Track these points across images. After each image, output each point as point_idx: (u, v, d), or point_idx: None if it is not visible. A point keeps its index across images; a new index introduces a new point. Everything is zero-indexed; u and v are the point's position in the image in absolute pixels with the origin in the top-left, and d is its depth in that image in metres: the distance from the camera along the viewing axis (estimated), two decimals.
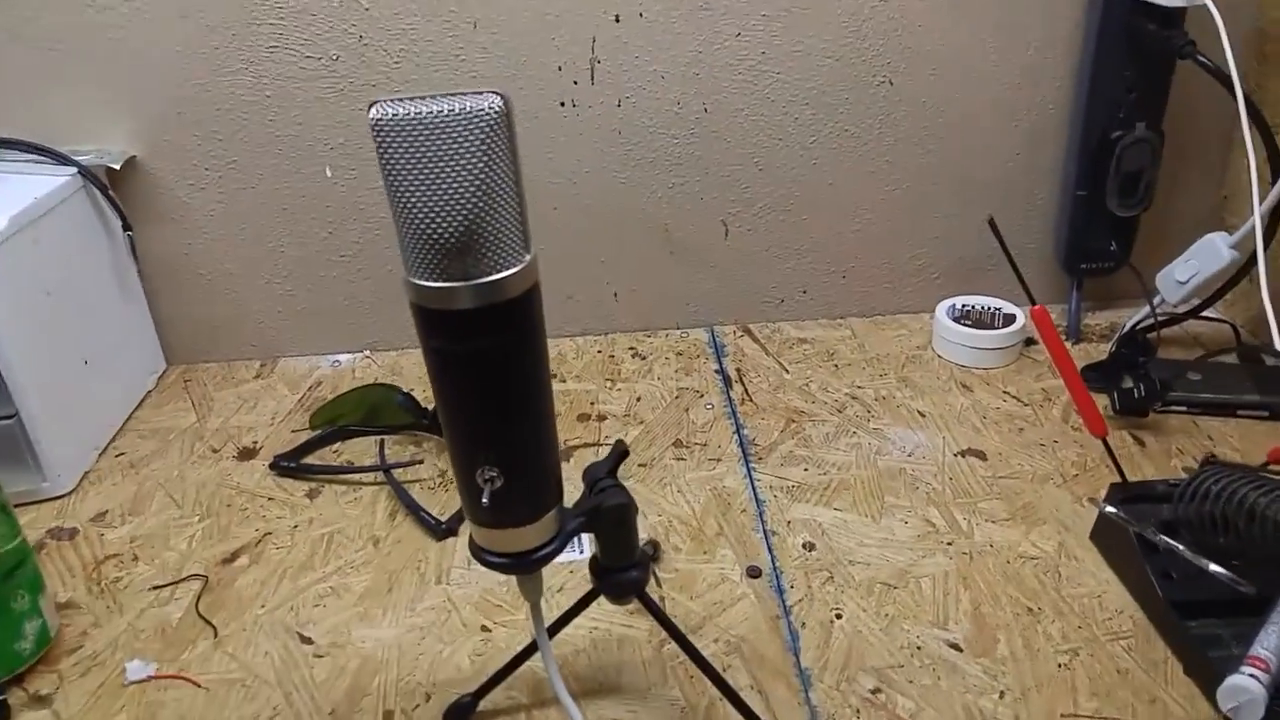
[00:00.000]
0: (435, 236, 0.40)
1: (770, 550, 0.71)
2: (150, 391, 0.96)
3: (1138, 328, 0.89)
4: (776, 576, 0.69)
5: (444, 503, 0.78)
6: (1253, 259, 0.83)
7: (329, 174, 0.93)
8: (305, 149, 0.91)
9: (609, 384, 0.93)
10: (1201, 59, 0.80)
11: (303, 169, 0.92)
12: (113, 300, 0.91)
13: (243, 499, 0.79)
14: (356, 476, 0.82)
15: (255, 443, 0.87)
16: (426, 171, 0.39)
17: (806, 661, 0.61)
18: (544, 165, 0.93)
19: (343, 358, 1.01)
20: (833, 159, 0.94)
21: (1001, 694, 0.58)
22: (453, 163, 0.39)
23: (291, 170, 0.92)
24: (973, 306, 0.95)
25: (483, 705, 0.59)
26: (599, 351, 0.99)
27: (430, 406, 0.85)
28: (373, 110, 0.39)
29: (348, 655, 0.64)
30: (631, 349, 0.99)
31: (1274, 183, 0.76)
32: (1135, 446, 0.79)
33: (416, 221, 0.40)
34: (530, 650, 0.59)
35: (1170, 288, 0.85)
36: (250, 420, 0.91)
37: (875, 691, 0.59)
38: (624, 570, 0.54)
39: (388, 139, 0.39)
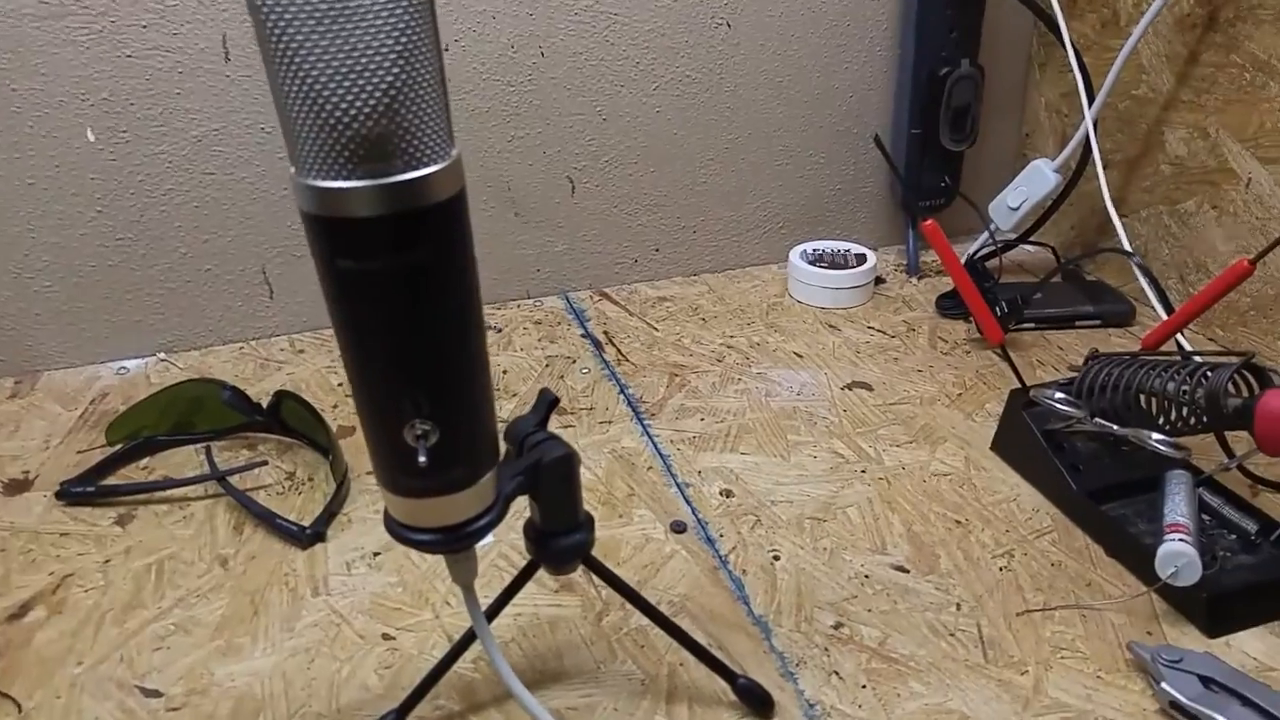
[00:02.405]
0: (347, 116, 0.31)
1: (689, 503, 0.66)
2: None
3: (976, 257, 0.93)
4: (703, 528, 0.64)
5: (298, 507, 0.67)
6: (1072, 183, 0.89)
7: (91, 138, 0.77)
8: (55, 106, 0.75)
9: None
10: None
11: (54, 132, 0.76)
12: None
13: (21, 540, 0.63)
14: (181, 492, 0.68)
15: (27, 472, 0.70)
16: (334, 32, 0.30)
17: (759, 609, 0.57)
18: None
19: (130, 364, 0.85)
20: (675, 106, 0.91)
21: (958, 605, 0.57)
22: (368, 17, 0.30)
23: (37, 134, 0.75)
24: (824, 251, 0.95)
25: None
26: None
27: (263, 402, 0.72)
28: None
29: (213, 701, 0.52)
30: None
31: (1089, 104, 0.82)
32: (1003, 362, 0.83)
33: (322, 98, 0.30)
34: (461, 647, 0.50)
35: (1003, 215, 0.90)
36: (13, 447, 0.73)
37: (838, 626, 0.56)
38: (568, 534, 0.47)
39: None
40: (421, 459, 0.38)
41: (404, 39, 0.31)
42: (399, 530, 0.41)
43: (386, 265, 0.34)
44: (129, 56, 0.75)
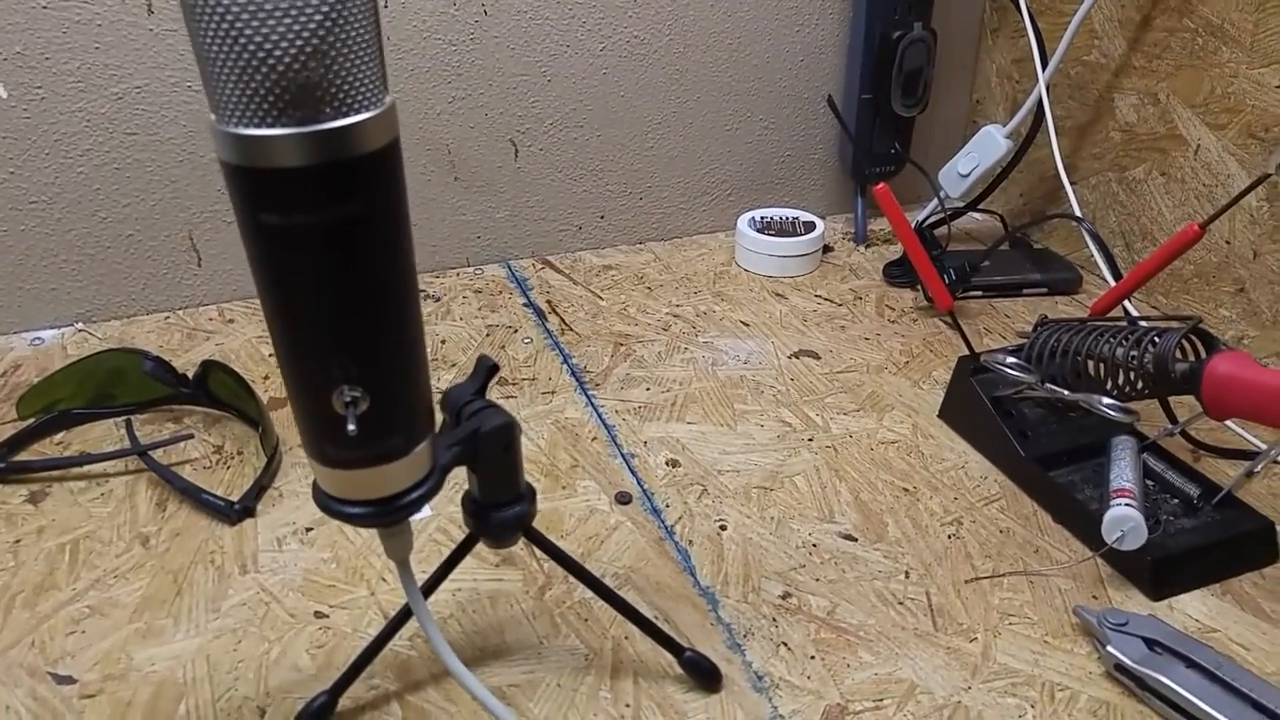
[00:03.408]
0: (271, 56, 0.28)
1: (634, 473, 0.65)
2: None
3: (925, 224, 0.92)
4: (648, 498, 0.62)
5: (226, 481, 0.63)
6: (1023, 149, 0.88)
7: (3, 94, 0.72)
8: None
9: None
10: None
11: None
12: None
13: None
14: (100, 468, 0.65)
15: None
16: None
17: (705, 579, 0.56)
18: None
19: (45, 334, 0.80)
20: (623, 68, 0.89)
21: (907, 573, 0.56)
22: None
23: None
24: (772, 218, 0.94)
25: (342, 703, 0.48)
26: None
27: (189, 373, 0.69)
28: None
29: (132, 686, 0.49)
30: (422, 291, 0.88)
31: (1043, 70, 0.81)
32: (950, 330, 0.82)
33: (244, 36, 0.28)
34: (397, 625, 0.48)
35: (953, 182, 0.89)
36: None
37: (785, 596, 0.55)
38: (508, 505, 0.45)
39: None
40: (351, 427, 0.35)
41: None
42: (329, 503, 0.39)
43: (314, 220, 0.32)
44: (45, 8, 0.70)
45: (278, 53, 0.28)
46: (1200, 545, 0.54)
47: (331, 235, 0.32)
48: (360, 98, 0.31)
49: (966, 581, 0.56)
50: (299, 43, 0.28)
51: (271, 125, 0.29)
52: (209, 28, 0.28)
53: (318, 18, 0.28)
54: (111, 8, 0.72)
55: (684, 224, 0.99)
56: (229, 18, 0.27)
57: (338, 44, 0.29)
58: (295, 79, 0.29)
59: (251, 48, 0.28)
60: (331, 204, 0.31)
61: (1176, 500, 0.59)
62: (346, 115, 0.30)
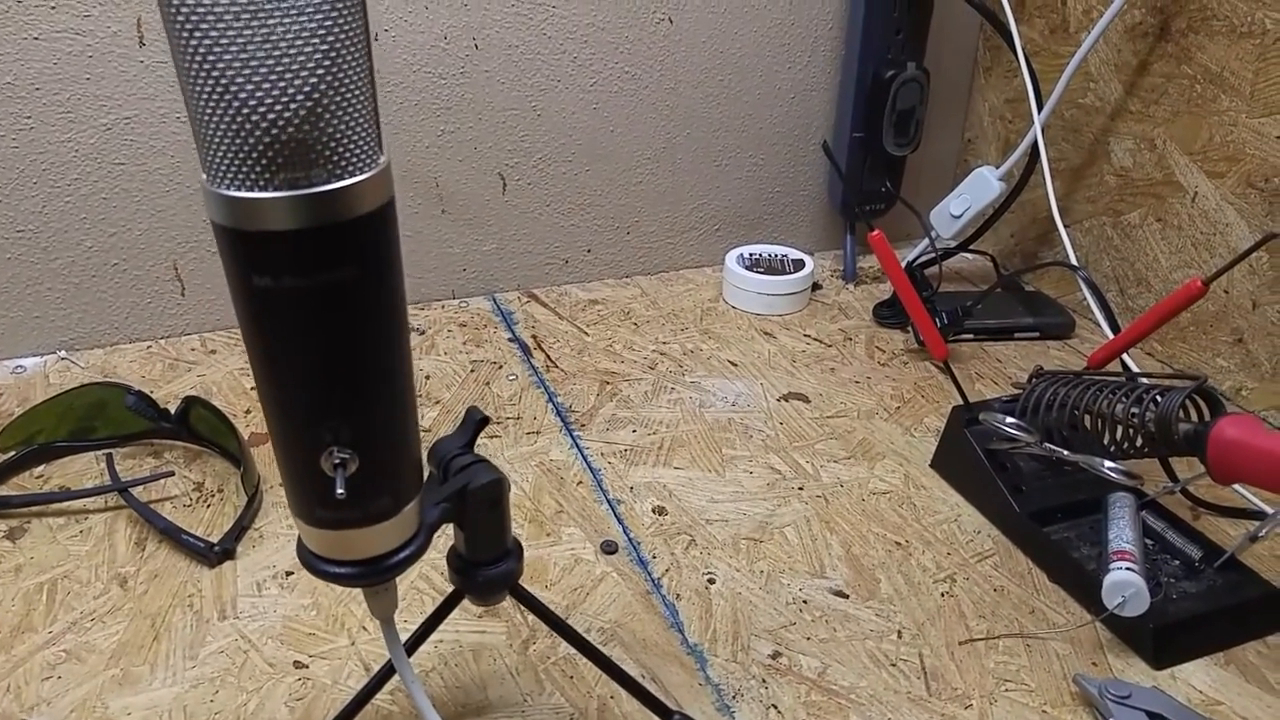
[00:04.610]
0: (265, 120, 0.28)
1: (620, 521, 0.63)
2: None
3: (915, 264, 0.91)
4: (634, 548, 0.60)
5: (206, 520, 0.61)
6: (1015, 191, 0.88)
7: None
8: None
9: None
10: None
11: None
12: None
13: None
14: (80, 504, 0.62)
15: None
16: (253, 28, 0.27)
17: (693, 636, 0.54)
18: None
19: (27, 362, 0.78)
20: (613, 104, 0.87)
21: (899, 633, 0.55)
22: (292, 12, 0.27)
23: None
24: (761, 255, 0.92)
25: None
26: None
27: (170, 407, 0.67)
28: None
29: None
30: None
31: (1039, 109, 0.81)
32: (942, 375, 0.81)
33: (238, 100, 0.27)
34: (380, 682, 0.46)
35: (945, 222, 0.88)
36: None
37: (775, 656, 0.53)
38: (495, 564, 0.44)
39: None
40: (340, 490, 0.34)
41: (331, 36, 0.28)
42: (314, 562, 0.38)
43: (306, 283, 0.31)
44: (36, 39, 0.69)
45: (271, 115, 0.27)
46: (1204, 612, 0.53)
47: (324, 298, 0.31)
48: (354, 160, 0.30)
49: (960, 643, 0.54)
50: (293, 105, 0.28)
51: (264, 188, 0.29)
52: (202, 87, 0.27)
53: (313, 80, 0.28)
54: (103, 40, 0.71)
55: (671, 258, 0.98)
56: (224, 80, 0.27)
57: (332, 106, 0.28)
58: (288, 141, 0.28)
59: (245, 110, 0.27)
60: (324, 268, 0.31)
61: (1178, 562, 0.58)
62: (340, 178, 0.30)
